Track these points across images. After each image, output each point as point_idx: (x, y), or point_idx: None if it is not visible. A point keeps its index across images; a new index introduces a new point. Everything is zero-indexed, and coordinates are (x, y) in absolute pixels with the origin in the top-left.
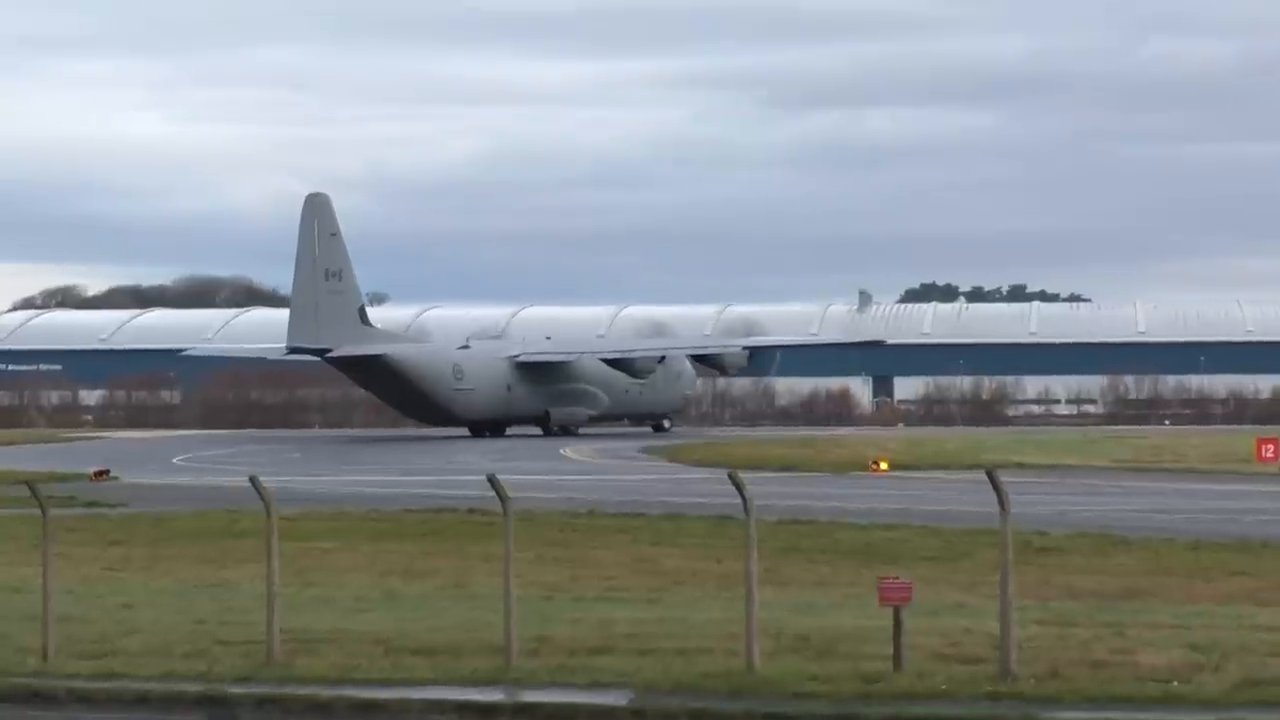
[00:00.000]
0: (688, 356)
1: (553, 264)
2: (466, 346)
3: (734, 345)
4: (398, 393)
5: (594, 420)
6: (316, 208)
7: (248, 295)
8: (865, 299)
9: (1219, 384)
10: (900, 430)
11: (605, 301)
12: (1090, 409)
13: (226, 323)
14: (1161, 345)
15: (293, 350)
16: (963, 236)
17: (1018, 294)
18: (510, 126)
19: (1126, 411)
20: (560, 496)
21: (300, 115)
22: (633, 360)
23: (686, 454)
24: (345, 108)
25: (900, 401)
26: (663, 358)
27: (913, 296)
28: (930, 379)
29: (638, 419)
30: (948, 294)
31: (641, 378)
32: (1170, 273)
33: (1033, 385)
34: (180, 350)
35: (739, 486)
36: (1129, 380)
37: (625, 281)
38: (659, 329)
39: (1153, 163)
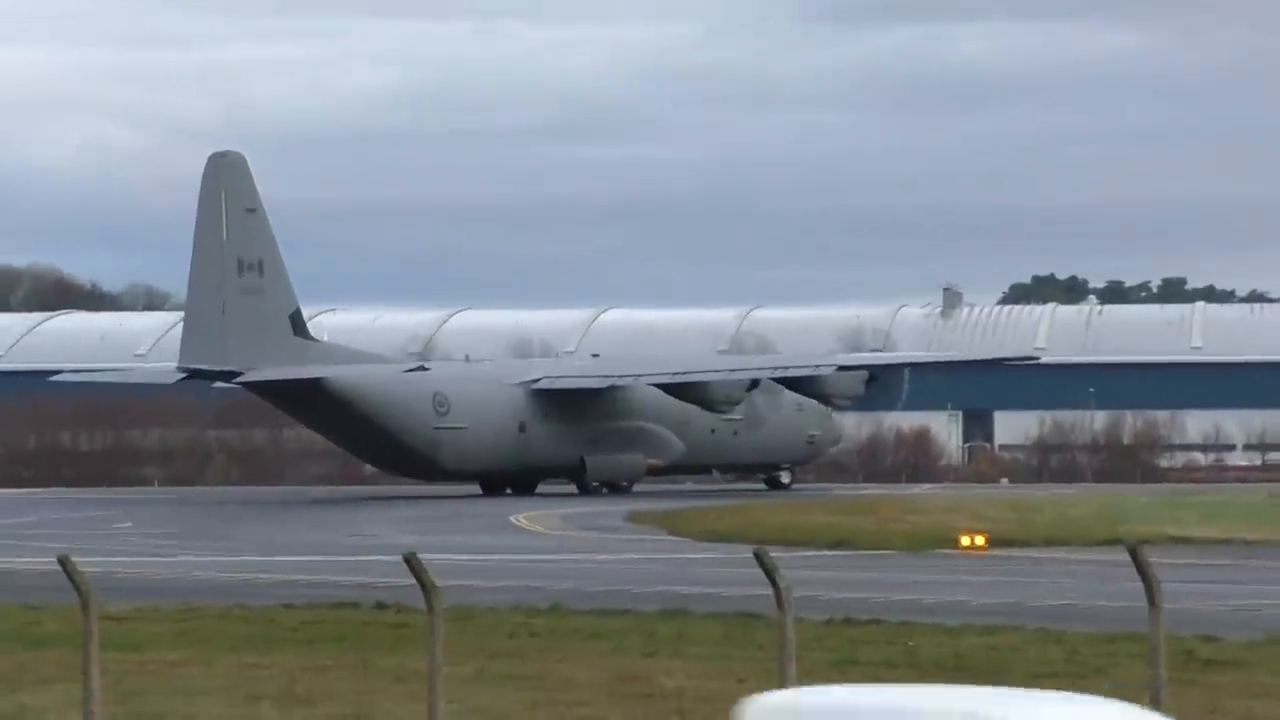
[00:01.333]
0: (773, 380)
1: (501, 249)
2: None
3: (830, 365)
4: (351, 434)
5: (661, 472)
6: (224, 172)
7: (56, 293)
8: (952, 299)
9: None
10: (1003, 488)
11: (577, 301)
12: None
13: (29, 330)
14: None
15: (189, 373)
16: (1093, 210)
17: (1173, 292)
18: (436, 50)
19: None
20: (512, 586)
21: (123, 31)
22: (706, 386)
23: (691, 523)
24: (191, 20)
25: (1002, 447)
26: (755, 382)
27: (1020, 295)
28: (1046, 414)
29: (737, 470)
30: (1072, 292)
31: (722, 411)
32: None
33: (1196, 423)
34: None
35: (769, 571)
36: None
37: (605, 274)
38: (745, 345)
39: None
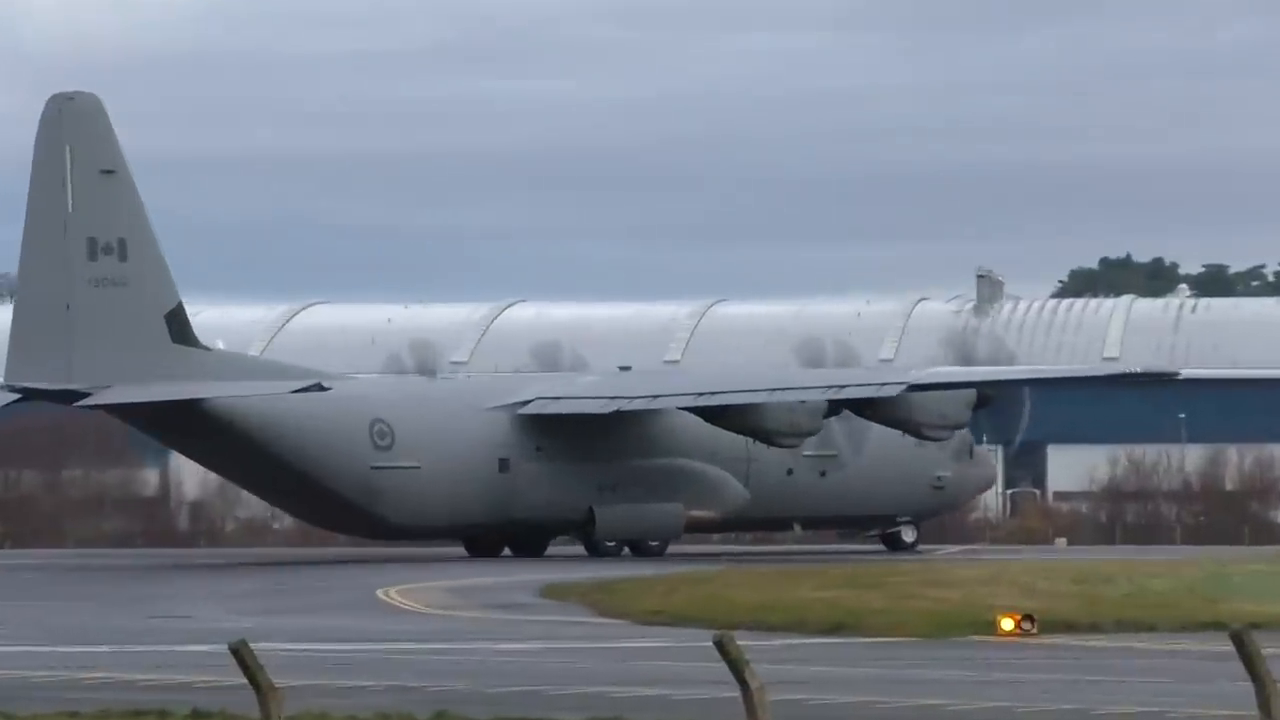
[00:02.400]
0: (829, 401)
1: (365, 218)
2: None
3: (897, 383)
4: (253, 477)
5: (714, 528)
6: (69, 120)
7: None
8: (990, 289)
9: None
10: (1060, 551)
11: (472, 293)
12: None
13: None
14: None
15: (23, 394)
16: (1187, 168)
17: None
18: None
19: None
20: (378, 686)
21: None
22: (759, 412)
23: (631, 599)
24: None
25: (1058, 495)
26: (837, 405)
27: (1084, 284)
28: (1119, 449)
29: (830, 526)
30: (1157, 279)
31: (787, 445)
32: None
33: None
34: None
35: (736, 666)
36: None
37: (509, 255)
38: (820, 354)
39: None
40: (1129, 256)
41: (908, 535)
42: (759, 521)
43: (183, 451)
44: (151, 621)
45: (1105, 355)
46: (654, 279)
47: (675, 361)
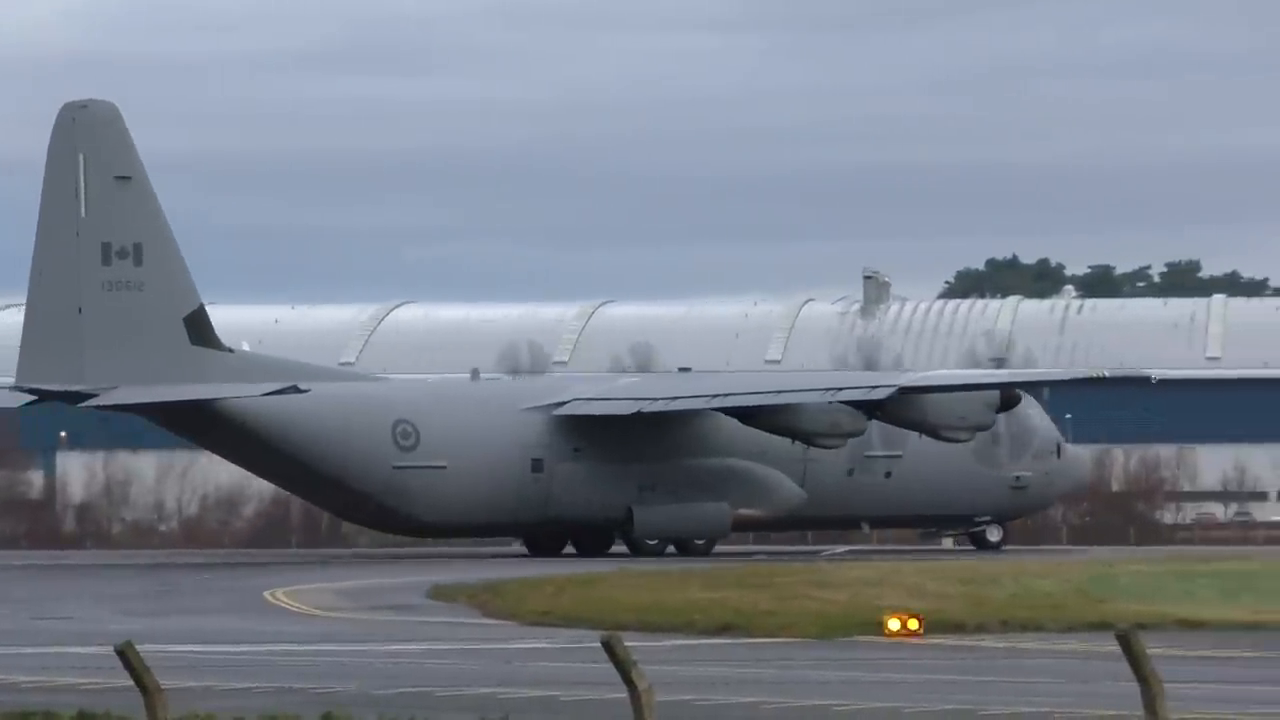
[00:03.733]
0: (843, 403)
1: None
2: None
3: (888, 386)
4: (280, 474)
5: (766, 526)
6: (83, 129)
7: None
8: (877, 290)
9: None
10: (947, 554)
11: (357, 294)
12: None
13: None
14: None
15: (30, 394)
16: (1073, 169)
17: (1182, 281)
18: None
19: None
20: (266, 688)
21: None
22: (794, 414)
23: (518, 600)
24: None
25: None
26: (877, 404)
27: (971, 285)
28: None
29: (895, 525)
30: (1044, 280)
31: (826, 444)
32: None
33: (1213, 462)
34: None
35: (623, 667)
36: None
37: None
38: (873, 354)
39: None
40: (1015, 257)
41: (992, 535)
42: (818, 521)
43: (214, 451)
44: (36, 623)
45: (992, 356)
46: (542, 280)
47: (563, 363)
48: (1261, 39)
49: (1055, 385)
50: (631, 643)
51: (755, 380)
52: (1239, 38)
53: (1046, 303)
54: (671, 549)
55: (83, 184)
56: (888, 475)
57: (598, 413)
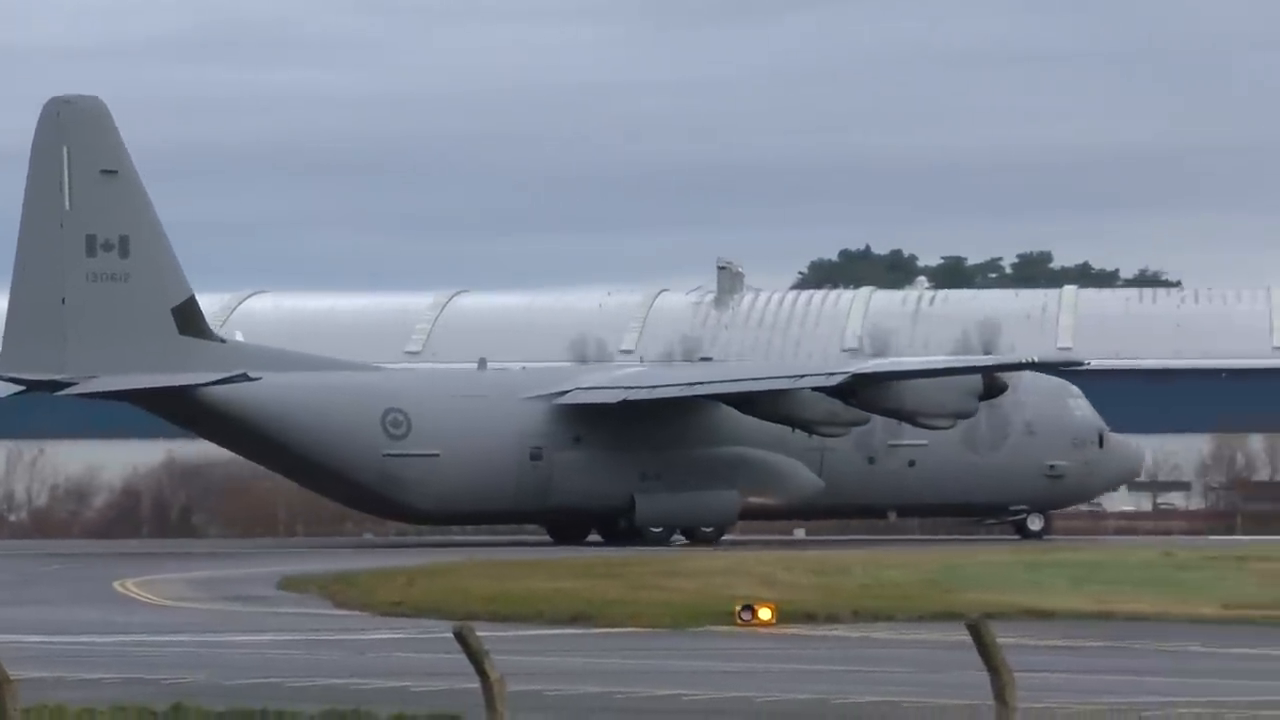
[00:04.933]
0: (813, 389)
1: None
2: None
3: (841, 373)
4: (269, 461)
5: (780, 515)
6: (69, 122)
7: None
8: (731, 280)
9: None
10: (800, 545)
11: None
12: (1177, 502)
13: None
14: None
15: (25, 385)
16: (926, 159)
17: (1034, 272)
18: None
19: (1255, 506)
20: (114, 679)
21: None
22: (790, 402)
23: (370, 591)
24: None
25: None
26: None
27: (825, 275)
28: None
29: (922, 514)
30: (897, 271)
31: (826, 431)
32: None
33: None
34: None
35: (475, 657)
36: (1259, 444)
37: (250, 246)
38: (882, 340)
39: None
40: (868, 248)
41: (1034, 524)
42: (838, 510)
43: (210, 440)
44: None
45: (844, 347)
46: (396, 270)
47: (416, 353)
48: (1113, 34)
49: (989, 370)
50: (483, 633)
51: (761, 369)
52: (1093, 32)
53: (899, 293)
54: (681, 538)
55: (67, 178)
56: (911, 464)
57: (591, 401)
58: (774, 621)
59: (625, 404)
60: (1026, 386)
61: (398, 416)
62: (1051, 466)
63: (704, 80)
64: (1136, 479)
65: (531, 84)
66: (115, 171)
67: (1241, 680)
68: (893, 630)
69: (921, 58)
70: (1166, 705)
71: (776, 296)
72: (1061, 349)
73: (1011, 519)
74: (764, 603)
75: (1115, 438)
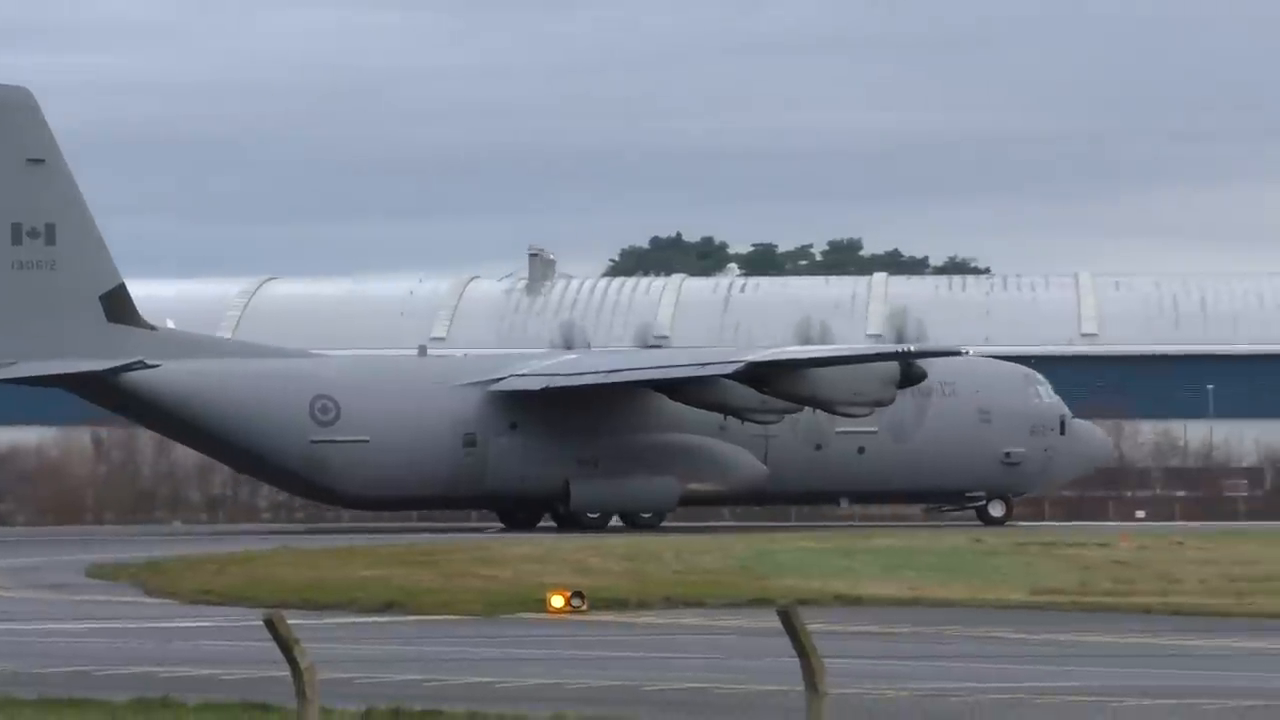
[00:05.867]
0: (728, 376)
1: None
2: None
3: (734, 362)
4: (203, 446)
5: (724, 501)
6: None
7: None
8: (542, 267)
9: (1249, 434)
10: (611, 532)
11: None
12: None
13: None
14: (1137, 359)
15: None
16: (737, 145)
17: (845, 259)
18: None
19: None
20: None
21: None
22: (719, 391)
23: (179, 578)
24: None
25: None
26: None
27: (634, 262)
28: None
29: (886, 500)
30: (708, 259)
31: (757, 419)
32: (1150, 219)
33: None
34: None
35: (286, 645)
36: None
37: None
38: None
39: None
40: (679, 236)
41: (995, 510)
42: (785, 496)
43: (146, 426)
44: None
45: (656, 334)
46: (206, 257)
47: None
48: (923, 22)
49: (868, 359)
50: (294, 620)
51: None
52: (904, 18)
53: (710, 281)
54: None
55: None
56: (861, 451)
57: (515, 389)
58: (586, 609)
59: (548, 391)
60: (982, 374)
61: (326, 403)
62: (1008, 454)
63: (514, 66)
64: (1103, 466)
65: (338, 70)
66: (43, 160)
67: (1048, 666)
68: (704, 617)
69: (734, 45)
70: (975, 691)
71: (588, 284)
72: (871, 336)
73: (971, 505)
74: (576, 590)
75: (1080, 425)
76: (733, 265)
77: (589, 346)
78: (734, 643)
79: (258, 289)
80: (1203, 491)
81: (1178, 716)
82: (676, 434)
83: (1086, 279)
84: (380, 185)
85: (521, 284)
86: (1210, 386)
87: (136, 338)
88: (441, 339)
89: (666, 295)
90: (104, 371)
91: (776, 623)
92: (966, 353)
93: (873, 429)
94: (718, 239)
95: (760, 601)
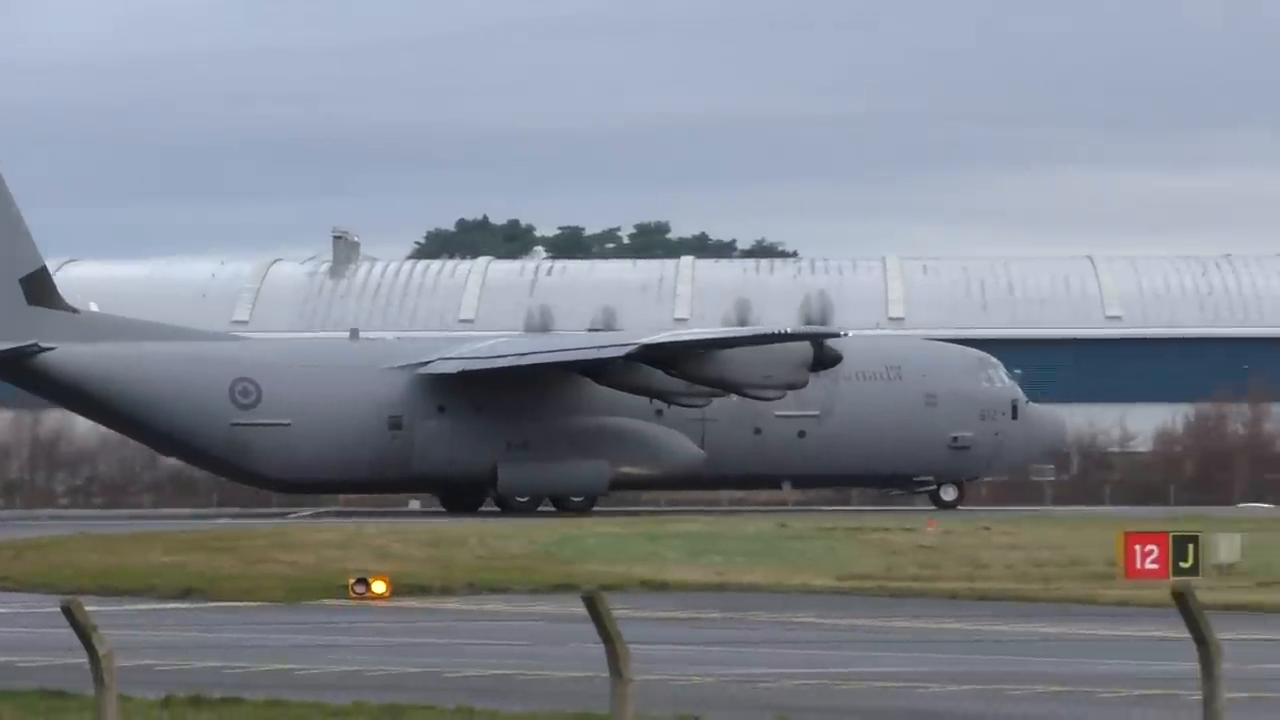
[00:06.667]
0: (623, 358)
1: None
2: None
3: (628, 345)
4: (124, 428)
5: (658, 485)
6: None
7: None
8: (347, 250)
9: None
10: (419, 515)
11: None
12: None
13: None
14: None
15: None
16: (542, 127)
17: (651, 242)
18: None
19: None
20: None
21: None
22: (636, 377)
23: None
24: None
25: None
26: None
27: (439, 245)
28: None
29: (829, 484)
30: (514, 241)
31: (683, 401)
32: (960, 203)
33: None
34: None
35: (84, 632)
36: None
37: None
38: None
39: None
40: (486, 218)
41: (947, 494)
42: (723, 480)
43: (68, 409)
44: None
45: (461, 318)
46: None
47: None
48: (735, 4)
49: (750, 341)
50: (92, 608)
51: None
52: (715, 1)
53: (516, 264)
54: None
55: None
56: (801, 434)
57: (442, 372)
58: (388, 595)
59: (466, 374)
60: (931, 357)
61: (247, 386)
62: (955, 438)
63: (318, 46)
64: (1060, 451)
65: (143, 50)
66: None
67: (855, 651)
68: (508, 603)
69: (538, 26)
70: (782, 677)
71: (393, 267)
72: (678, 319)
73: (921, 490)
74: (378, 575)
75: (1035, 410)
76: (539, 248)
77: (549, 329)
78: (539, 629)
79: (57, 271)
80: (1008, 476)
81: (983, 702)
82: (609, 418)
83: (894, 262)
84: (182, 167)
85: (325, 267)
86: (1018, 371)
87: (54, 320)
88: (244, 322)
89: (472, 279)
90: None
91: (582, 608)
92: (846, 334)
93: (814, 412)
94: (524, 222)
95: (565, 587)
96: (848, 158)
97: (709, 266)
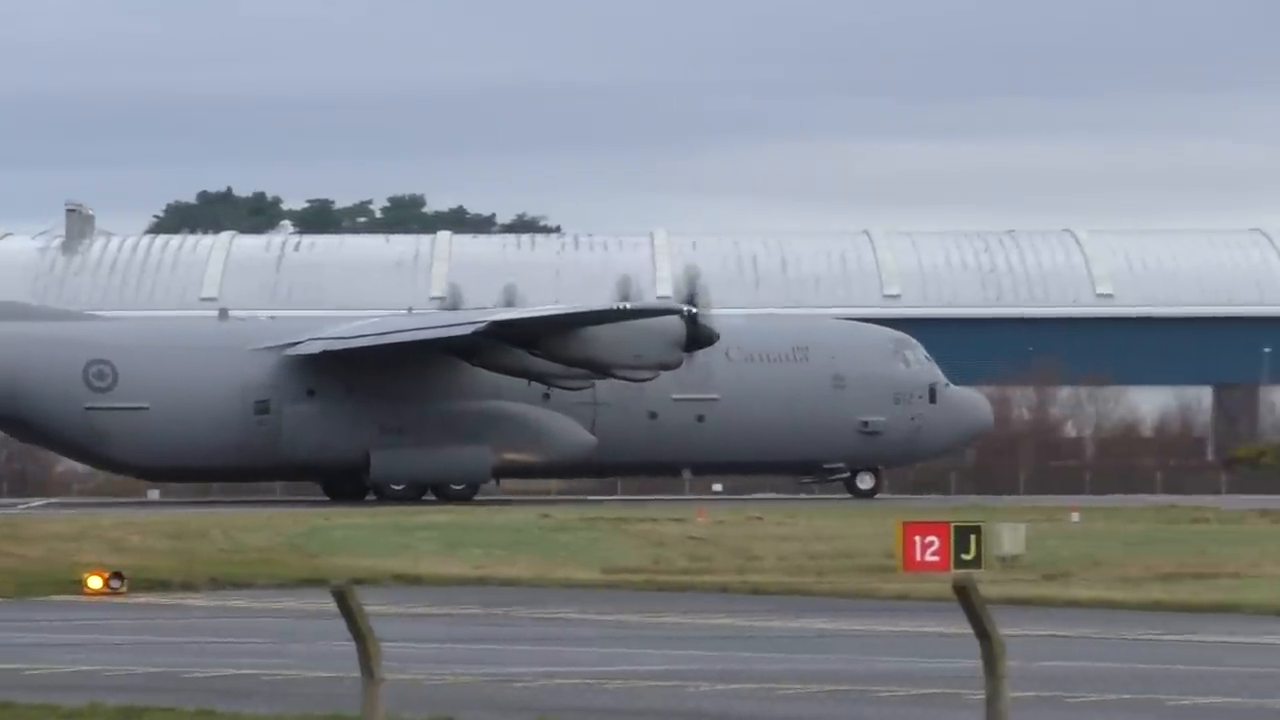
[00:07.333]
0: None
1: None
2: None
3: (477, 321)
4: None
5: (549, 473)
6: None
7: None
8: (81, 224)
9: None
10: (152, 503)
11: None
12: None
13: None
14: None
15: None
16: (292, 94)
17: (406, 216)
18: None
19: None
20: None
21: None
22: (515, 360)
23: None
24: None
25: None
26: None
27: (180, 219)
28: None
29: (730, 471)
30: (260, 215)
31: (562, 384)
32: (735, 177)
33: None
34: None
35: None
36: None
37: None
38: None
39: None
40: (230, 190)
41: (863, 482)
42: (617, 467)
43: None
44: None
45: (203, 295)
46: None
47: None
48: None
49: (603, 318)
50: None
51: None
52: None
53: (263, 239)
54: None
55: None
56: (700, 419)
57: (311, 352)
58: (125, 590)
59: (332, 355)
60: (841, 338)
61: (103, 368)
62: (865, 423)
63: (47, 7)
64: (984, 435)
65: None
66: None
67: (620, 648)
68: (252, 598)
69: None
70: (543, 676)
71: (130, 241)
72: (434, 298)
73: (834, 478)
74: (101, 571)
75: (956, 393)
76: (286, 223)
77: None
78: (285, 625)
79: None
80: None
81: (755, 701)
82: (491, 401)
83: (663, 238)
84: None
85: (57, 241)
86: None
87: None
88: None
89: (215, 254)
90: None
91: (331, 604)
92: (687, 311)
93: (714, 396)
94: (270, 194)
95: (313, 581)
96: (614, 129)
97: (467, 242)
